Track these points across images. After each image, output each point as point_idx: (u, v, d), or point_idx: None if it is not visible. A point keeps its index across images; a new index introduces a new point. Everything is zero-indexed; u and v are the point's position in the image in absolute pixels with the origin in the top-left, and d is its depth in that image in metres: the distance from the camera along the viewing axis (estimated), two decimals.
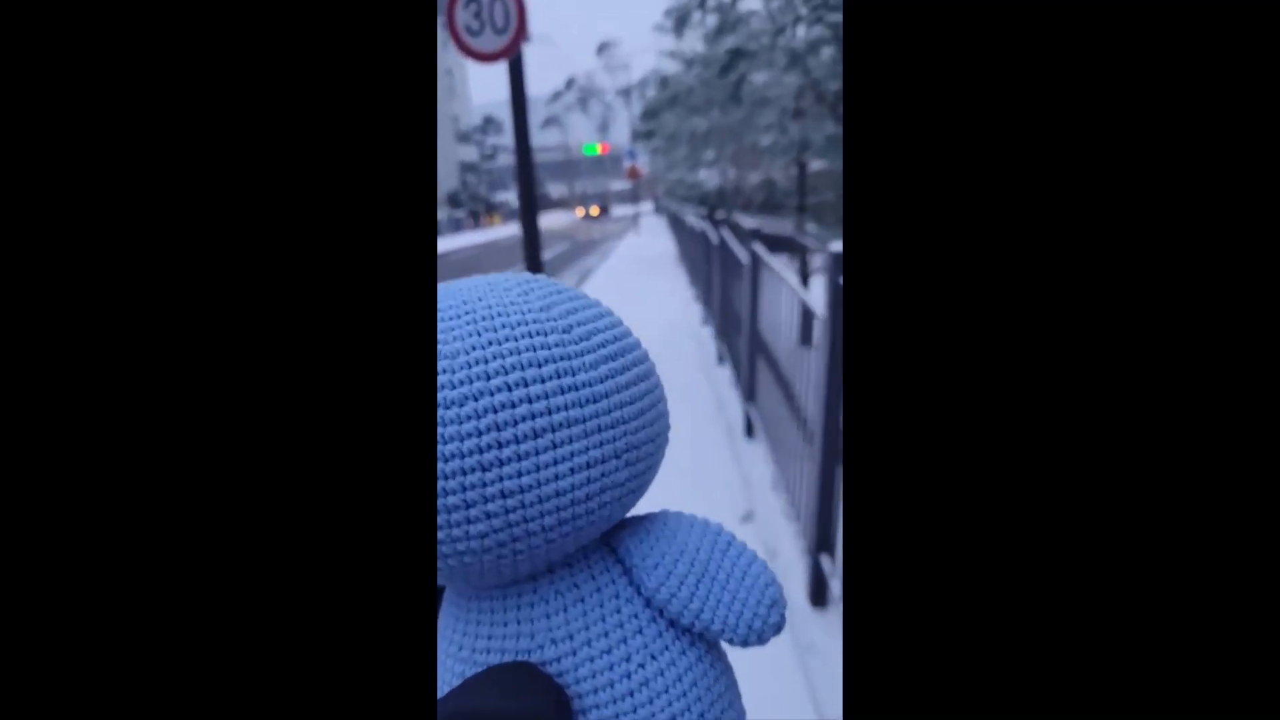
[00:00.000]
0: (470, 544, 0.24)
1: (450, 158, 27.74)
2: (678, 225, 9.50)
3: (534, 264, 3.37)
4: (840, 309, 1.38)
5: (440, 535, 0.23)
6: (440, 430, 0.23)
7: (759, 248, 2.47)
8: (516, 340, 0.24)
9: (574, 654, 0.25)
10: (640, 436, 0.26)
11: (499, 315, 0.25)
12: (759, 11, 2.65)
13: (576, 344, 0.25)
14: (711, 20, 3.95)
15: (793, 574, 1.72)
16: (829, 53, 2.43)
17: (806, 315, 1.68)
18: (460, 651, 0.27)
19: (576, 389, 0.25)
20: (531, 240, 3.45)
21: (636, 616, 0.26)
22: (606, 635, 0.26)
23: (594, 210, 31.72)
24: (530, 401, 0.24)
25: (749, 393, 2.71)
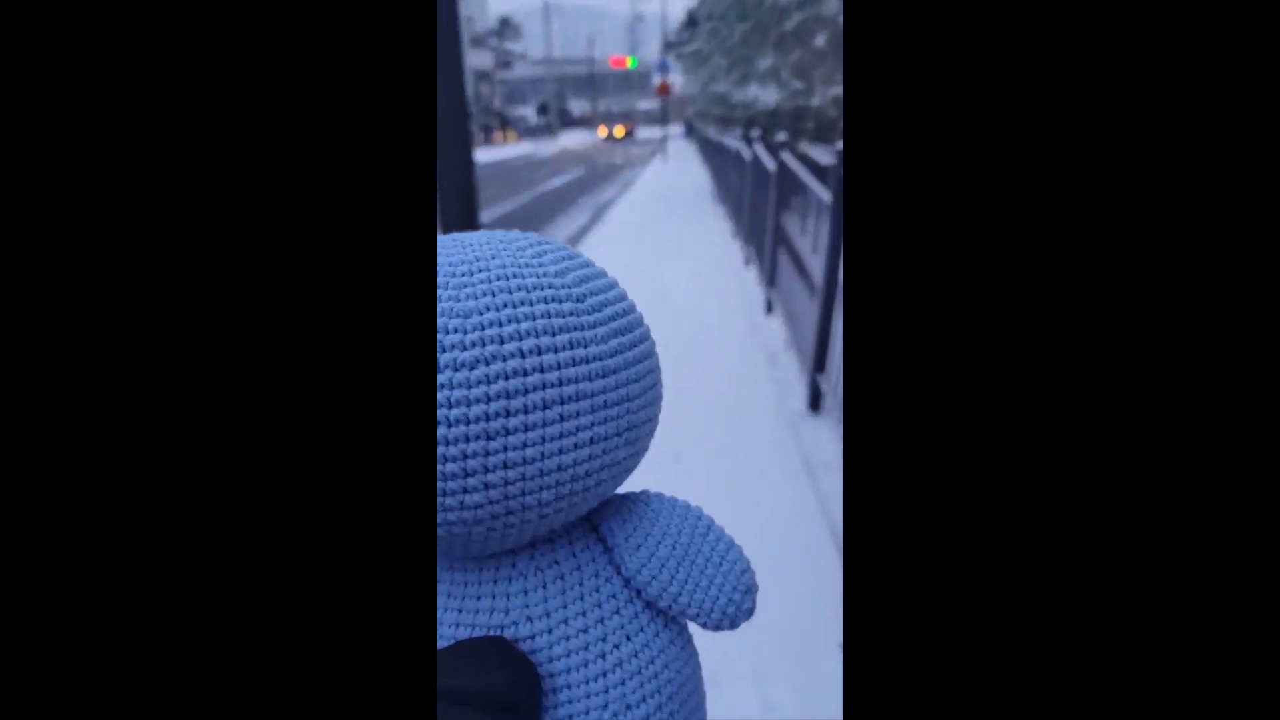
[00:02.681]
0: (463, 514, 0.23)
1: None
2: (718, 155, 7.68)
3: (469, 222, 2.22)
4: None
5: None
6: (447, 394, 0.22)
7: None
8: (531, 305, 0.23)
9: (550, 631, 0.25)
10: (641, 415, 0.26)
11: (513, 276, 0.24)
12: None
13: (590, 314, 0.24)
14: None
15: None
16: None
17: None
18: None
19: (588, 361, 0.24)
20: (467, 193, 1.98)
21: (615, 596, 0.26)
22: (584, 614, 0.25)
23: (618, 131, 29.24)
24: (542, 371, 0.23)
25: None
